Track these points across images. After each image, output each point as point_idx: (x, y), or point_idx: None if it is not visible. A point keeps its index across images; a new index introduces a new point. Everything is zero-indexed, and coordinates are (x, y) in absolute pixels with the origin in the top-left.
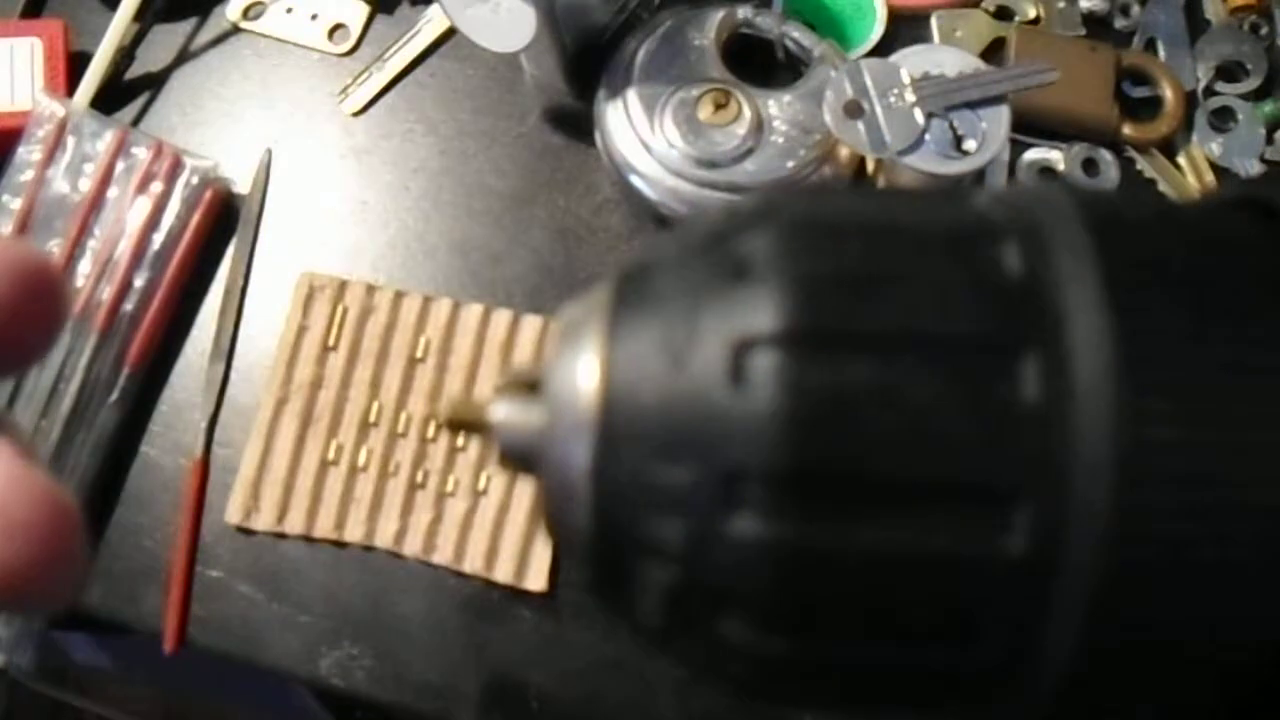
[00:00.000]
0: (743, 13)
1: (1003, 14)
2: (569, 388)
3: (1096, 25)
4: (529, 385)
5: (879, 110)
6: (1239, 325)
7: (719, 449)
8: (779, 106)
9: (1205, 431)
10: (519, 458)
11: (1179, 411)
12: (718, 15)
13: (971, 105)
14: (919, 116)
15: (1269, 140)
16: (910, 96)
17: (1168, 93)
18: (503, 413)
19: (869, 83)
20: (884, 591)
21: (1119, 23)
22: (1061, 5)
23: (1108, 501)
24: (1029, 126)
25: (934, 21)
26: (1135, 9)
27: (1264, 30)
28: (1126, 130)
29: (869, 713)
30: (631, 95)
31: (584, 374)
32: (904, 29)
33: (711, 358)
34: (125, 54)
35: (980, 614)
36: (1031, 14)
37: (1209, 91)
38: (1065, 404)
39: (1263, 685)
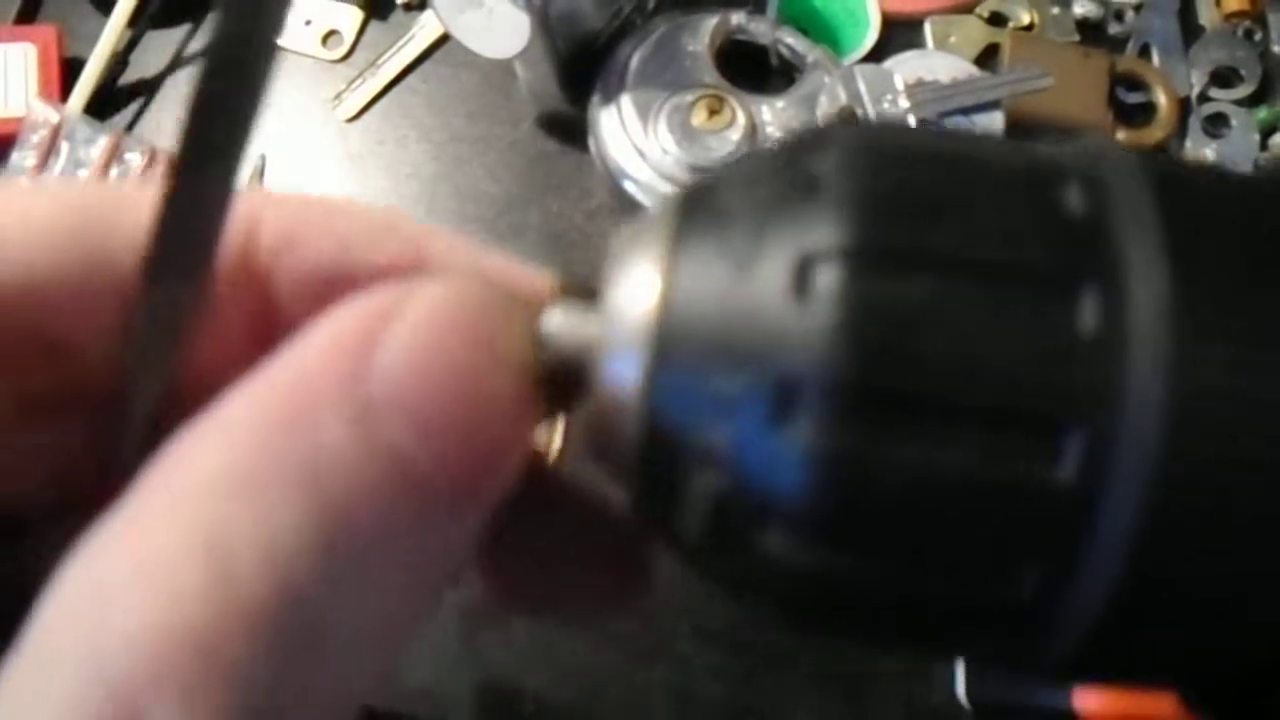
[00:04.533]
0: (736, 19)
1: (996, 20)
2: (627, 296)
3: (1090, 31)
4: (586, 292)
5: (873, 116)
6: None
7: (776, 358)
8: (773, 113)
9: (1258, 381)
10: (569, 370)
11: (1233, 358)
12: (711, 21)
13: (965, 111)
14: (913, 122)
15: (1263, 146)
16: (904, 102)
17: (1162, 98)
18: (556, 321)
19: (863, 89)
20: (926, 510)
21: (1113, 28)
22: (1055, 11)
23: (1157, 438)
24: (1023, 132)
25: (928, 27)
26: (1129, 15)
27: (1258, 36)
28: (1120, 136)
29: (900, 641)
30: (625, 101)
31: (644, 280)
32: (898, 35)
33: (774, 270)
34: (119, 60)
35: (1022, 543)
36: (1025, 20)
37: (1203, 97)
38: (1120, 341)
39: None
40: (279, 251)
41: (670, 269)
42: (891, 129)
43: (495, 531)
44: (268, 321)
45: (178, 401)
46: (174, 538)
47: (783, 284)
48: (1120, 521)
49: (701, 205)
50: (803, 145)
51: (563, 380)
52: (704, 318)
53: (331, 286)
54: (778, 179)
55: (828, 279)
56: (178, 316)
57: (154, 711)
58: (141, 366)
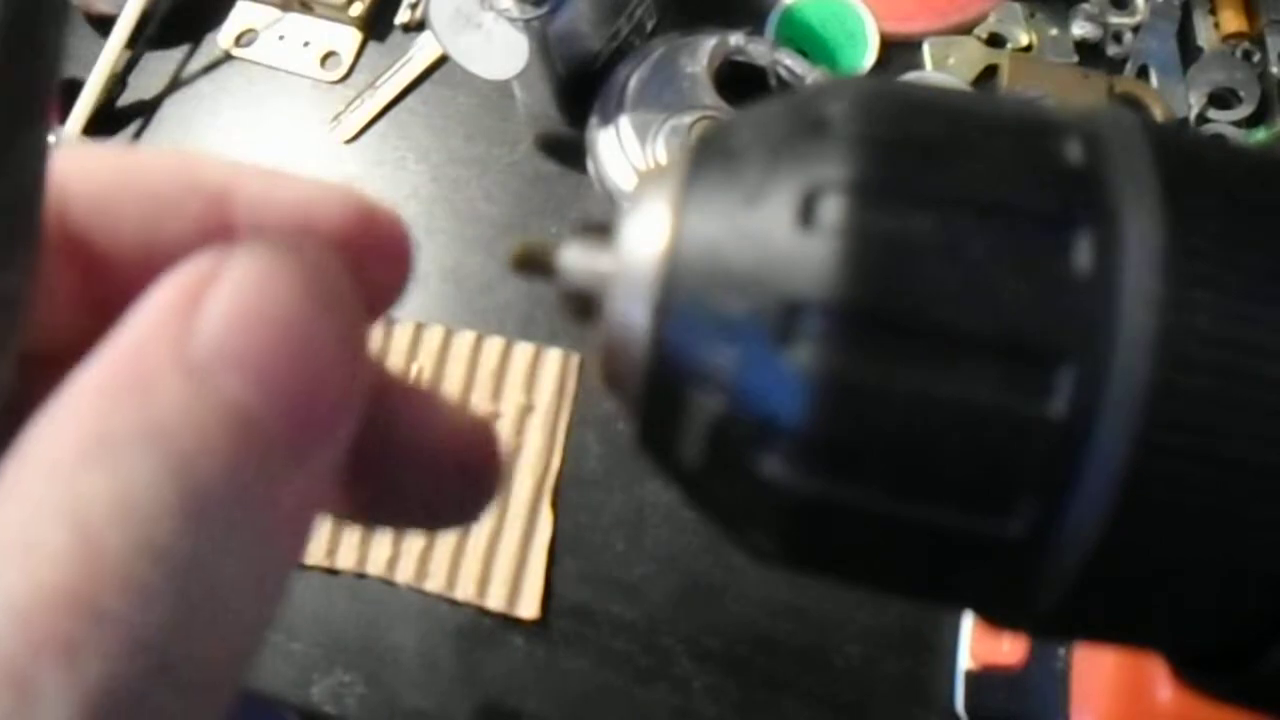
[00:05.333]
0: (735, 40)
1: (995, 41)
2: (640, 226)
3: (1089, 52)
4: (601, 230)
5: None
6: None
7: (780, 283)
8: None
9: (1245, 330)
10: (583, 300)
11: (1219, 305)
12: (710, 43)
13: None
14: None
15: None
16: None
17: (1160, 119)
18: (572, 255)
19: None
20: (923, 438)
21: (1111, 50)
22: (1054, 32)
23: (1146, 375)
24: None
25: (926, 48)
26: (1128, 36)
27: (1256, 57)
28: None
29: (893, 577)
30: (624, 122)
31: (656, 213)
32: (896, 56)
33: (781, 202)
34: (117, 81)
35: (1014, 474)
36: (1024, 41)
37: (1201, 119)
38: (1114, 281)
39: None
40: (91, 218)
41: (681, 203)
42: (899, 83)
43: (350, 457)
44: (99, 285)
45: (28, 378)
46: (36, 508)
47: (789, 214)
48: (1109, 456)
49: (714, 146)
50: (814, 92)
51: (580, 312)
52: (711, 247)
53: (151, 249)
54: (788, 121)
55: (833, 209)
56: (11, 301)
57: (41, 675)
58: None
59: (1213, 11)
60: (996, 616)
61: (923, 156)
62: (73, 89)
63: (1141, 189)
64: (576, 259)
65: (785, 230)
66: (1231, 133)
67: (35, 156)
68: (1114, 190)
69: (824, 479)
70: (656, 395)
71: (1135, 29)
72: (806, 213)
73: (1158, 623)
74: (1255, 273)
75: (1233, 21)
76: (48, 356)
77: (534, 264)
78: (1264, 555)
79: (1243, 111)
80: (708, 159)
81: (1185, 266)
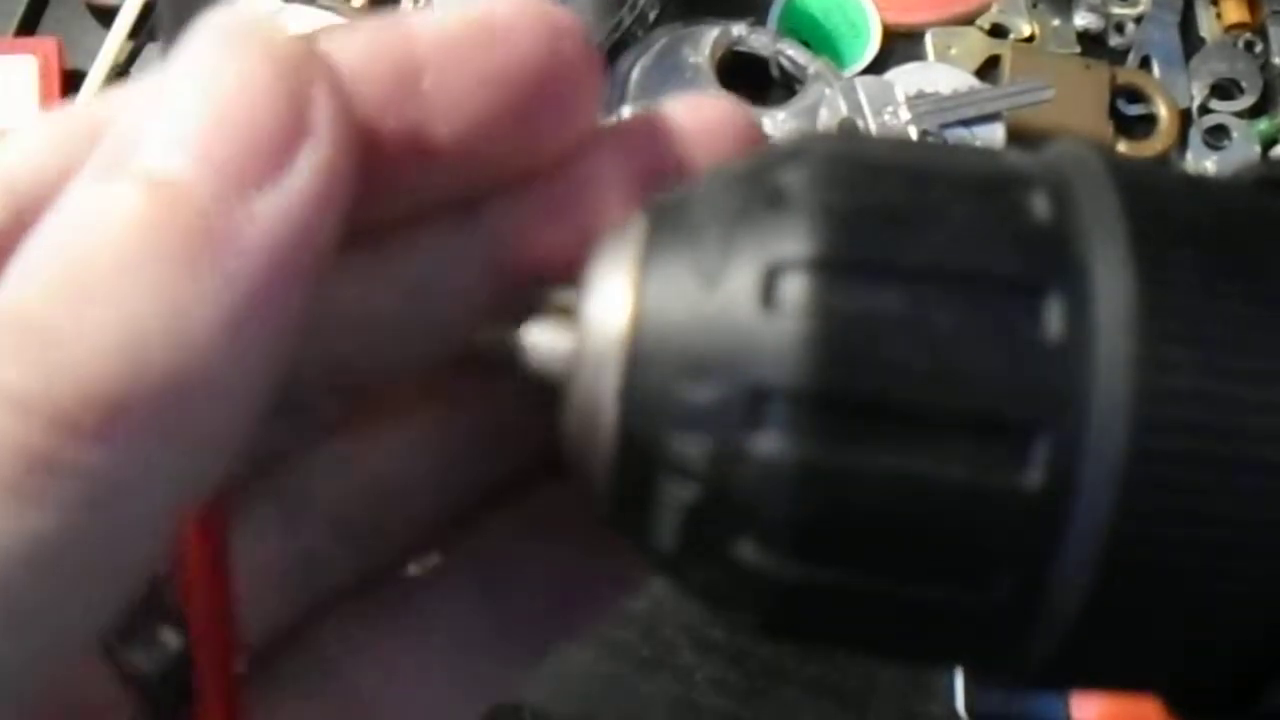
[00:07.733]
0: (737, 31)
1: (997, 31)
2: (600, 309)
3: (1091, 43)
4: (561, 310)
5: (874, 128)
6: (1258, 284)
7: (746, 367)
8: (774, 124)
9: (1220, 383)
10: (547, 382)
11: (1195, 361)
12: (712, 33)
13: (966, 123)
14: (913, 134)
15: (1263, 158)
16: (905, 114)
17: (1162, 110)
18: (533, 336)
19: (863, 101)
20: (899, 519)
21: (1114, 40)
22: (1056, 23)
23: (1123, 441)
24: (1023, 144)
25: (929, 39)
26: (1130, 27)
27: (1258, 48)
28: (1121, 148)
29: (879, 648)
30: (626, 113)
31: (616, 296)
32: (899, 47)
33: (743, 281)
34: (120, 72)
35: (994, 549)
36: (1026, 31)
37: (1203, 109)
38: (1086, 345)
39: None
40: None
41: (640, 283)
42: (859, 140)
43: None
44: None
45: None
46: None
47: (751, 295)
48: (1090, 524)
49: (670, 218)
50: (770, 158)
51: (541, 394)
52: (674, 331)
53: None
54: (745, 191)
55: (795, 289)
56: None
57: None
58: None
59: (1215, 2)
60: (986, 676)
61: (885, 225)
62: (75, 80)
63: (1110, 243)
64: (538, 340)
65: (748, 312)
66: (1233, 123)
67: None
68: (1083, 246)
69: (802, 563)
70: (625, 482)
71: (1137, 19)
72: (768, 293)
73: (1149, 674)
74: (1229, 323)
75: (1235, 12)
76: None
77: (494, 350)
78: (1252, 606)
79: (1244, 102)
80: (665, 232)
81: (1158, 324)
